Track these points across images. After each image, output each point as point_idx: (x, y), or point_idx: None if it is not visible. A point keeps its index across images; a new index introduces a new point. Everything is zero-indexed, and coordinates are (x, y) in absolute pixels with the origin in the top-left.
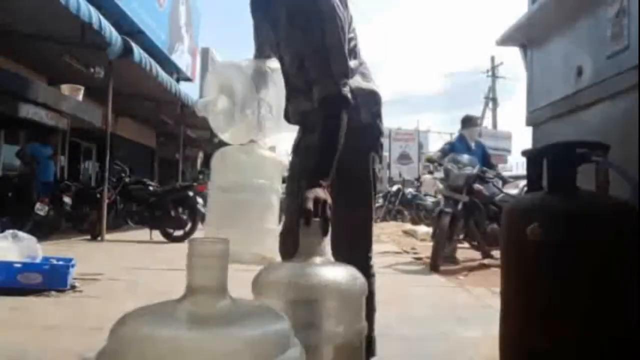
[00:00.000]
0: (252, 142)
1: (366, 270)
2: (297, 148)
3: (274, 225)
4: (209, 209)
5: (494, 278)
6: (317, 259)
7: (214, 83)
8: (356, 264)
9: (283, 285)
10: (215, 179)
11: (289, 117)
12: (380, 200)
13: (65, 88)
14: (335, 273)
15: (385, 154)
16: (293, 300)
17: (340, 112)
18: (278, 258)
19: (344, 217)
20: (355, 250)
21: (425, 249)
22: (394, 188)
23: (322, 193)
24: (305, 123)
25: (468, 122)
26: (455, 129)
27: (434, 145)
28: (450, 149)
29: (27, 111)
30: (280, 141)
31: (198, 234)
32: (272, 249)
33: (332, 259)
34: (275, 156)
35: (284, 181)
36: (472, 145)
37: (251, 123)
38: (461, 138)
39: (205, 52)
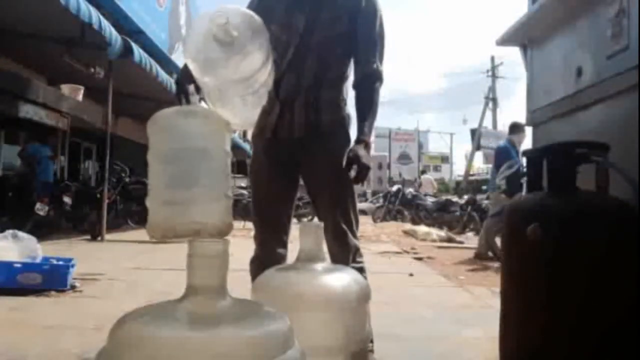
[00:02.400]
0: (192, 103)
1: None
2: (277, 134)
3: (229, 191)
4: (152, 184)
5: (494, 278)
6: (319, 265)
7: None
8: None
9: (285, 294)
10: (155, 147)
11: (278, 89)
12: (381, 200)
13: (65, 88)
14: (338, 280)
15: (385, 154)
16: (296, 309)
17: (380, 86)
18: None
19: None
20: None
21: (426, 249)
22: (394, 188)
23: (366, 153)
24: (295, 98)
25: (516, 128)
26: (455, 129)
27: (434, 145)
28: (507, 156)
29: (27, 111)
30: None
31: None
32: (230, 218)
33: (330, 262)
34: (220, 115)
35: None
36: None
37: (260, 98)
38: (511, 144)
39: None
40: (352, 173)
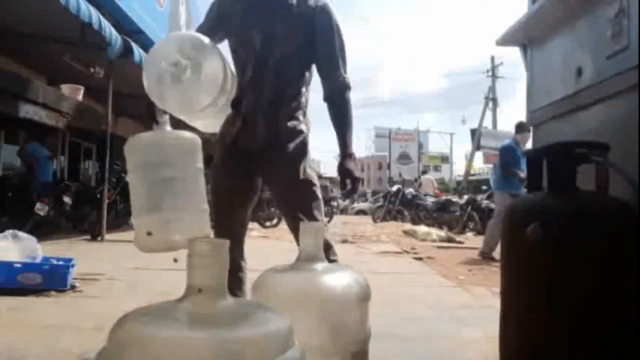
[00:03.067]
0: (161, 124)
1: None
2: (237, 145)
3: (205, 203)
4: (134, 203)
5: (494, 278)
6: (319, 265)
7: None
8: None
9: (285, 294)
10: (134, 170)
11: (239, 104)
12: (381, 200)
13: (65, 88)
14: (338, 280)
15: (385, 154)
16: (295, 309)
17: (350, 94)
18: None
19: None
20: None
21: (425, 249)
22: (394, 188)
23: (355, 165)
24: (256, 114)
25: (521, 128)
26: (455, 128)
27: (434, 145)
28: (513, 155)
29: (27, 111)
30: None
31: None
32: (208, 228)
33: (329, 262)
34: (192, 136)
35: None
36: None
37: (224, 111)
38: (516, 143)
39: None
40: (348, 186)
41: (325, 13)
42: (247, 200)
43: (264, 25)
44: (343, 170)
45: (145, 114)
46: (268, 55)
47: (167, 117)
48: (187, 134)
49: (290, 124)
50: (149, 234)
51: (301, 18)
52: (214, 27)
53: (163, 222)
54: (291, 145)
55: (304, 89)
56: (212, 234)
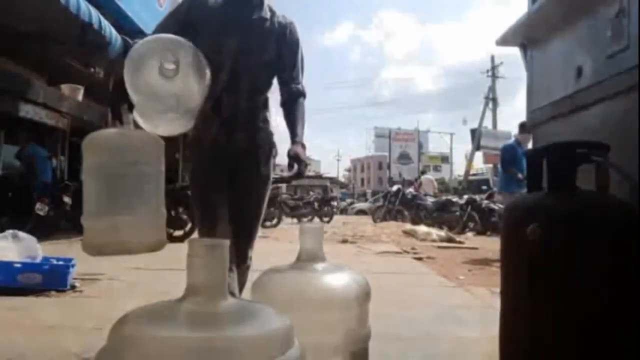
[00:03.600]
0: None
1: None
2: (219, 145)
3: (162, 207)
4: (86, 203)
5: (494, 278)
6: (319, 265)
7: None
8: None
9: (285, 294)
10: (91, 167)
11: (219, 109)
12: (381, 200)
13: (65, 88)
14: (338, 280)
15: (385, 154)
16: (295, 309)
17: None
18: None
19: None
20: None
21: (426, 249)
22: (394, 188)
23: (304, 152)
24: (235, 117)
25: (522, 128)
26: (455, 129)
27: (434, 145)
28: (514, 154)
29: (27, 111)
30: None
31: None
32: (162, 234)
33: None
34: (156, 136)
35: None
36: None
37: (190, 113)
38: (517, 143)
39: None
40: (295, 169)
41: (294, 29)
42: (225, 198)
43: (240, 36)
44: (293, 153)
45: (110, 113)
46: (244, 63)
47: (131, 118)
48: (151, 134)
49: (264, 126)
50: (101, 236)
51: (274, 32)
52: (183, 30)
53: (116, 225)
54: (266, 147)
55: (267, 97)
56: (165, 239)
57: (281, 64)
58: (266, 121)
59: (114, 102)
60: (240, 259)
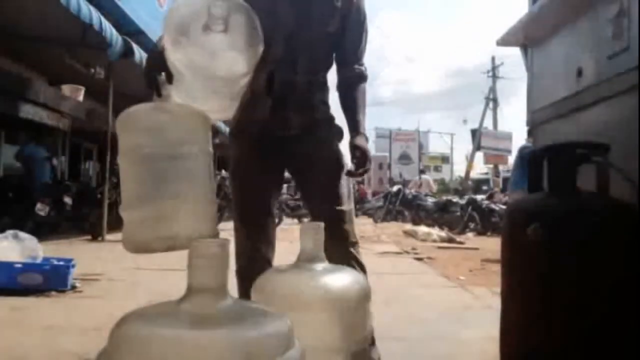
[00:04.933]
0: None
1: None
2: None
3: (213, 195)
4: (125, 192)
5: (494, 278)
6: (319, 265)
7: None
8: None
9: (285, 295)
10: (127, 150)
11: (270, 87)
12: (381, 201)
13: (65, 88)
14: (338, 280)
15: (386, 154)
16: (296, 309)
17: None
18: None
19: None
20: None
21: (426, 250)
22: (395, 188)
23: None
24: (290, 98)
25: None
26: (455, 129)
27: (435, 146)
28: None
29: (28, 111)
30: None
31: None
32: (214, 226)
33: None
34: (201, 111)
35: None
36: None
37: (237, 87)
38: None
39: None
40: (361, 164)
41: (362, 4)
42: (277, 197)
43: (298, 3)
44: (353, 145)
45: (146, 82)
46: (302, 33)
47: (170, 90)
48: (196, 109)
49: (324, 108)
50: (144, 230)
51: (339, 3)
52: None
53: (160, 216)
54: (328, 132)
55: (326, 75)
56: (218, 231)
57: (344, 39)
58: (325, 103)
59: (149, 70)
60: (339, 242)
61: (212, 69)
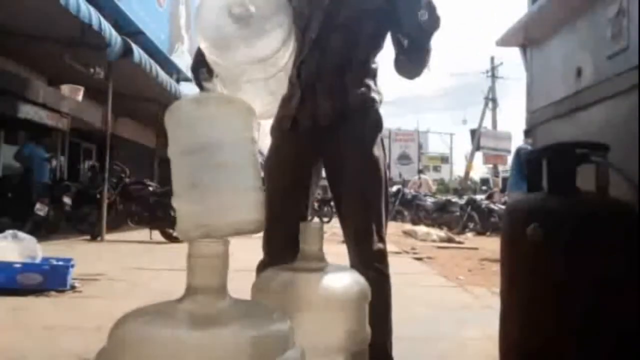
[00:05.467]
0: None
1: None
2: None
3: (260, 182)
4: (175, 182)
5: (494, 278)
6: (319, 265)
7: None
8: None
9: (285, 294)
10: (175, 142)
11: (299, 74)
12: None
13: (65, 88)
14: (338, 280)
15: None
16: (296, 309)
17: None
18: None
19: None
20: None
21: (425, 249)
22: (394, 188)
23: None
24: (317, 80)
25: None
26: (455, 129)
27: (434, 146)
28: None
29: (27, 111)
30: None
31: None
32: (261, 214)
33: (330, 262)
34: (244, 101)
35: None
36: None
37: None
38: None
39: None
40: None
41: None
42: (310, 196)
43: None
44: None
45: (193, 78)
46: (337, 13)
47: (214, 82)
48: (239, 99)
49: (359, 91)
50: (195, 218)
51: None
52: None
53: (210, 205)
54: (362, 120)
55: (372, 57)
56: (264, 221)
57: (395, 15)
58: (362, 84)
59: (193, 66)
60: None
61: (239, 54)
